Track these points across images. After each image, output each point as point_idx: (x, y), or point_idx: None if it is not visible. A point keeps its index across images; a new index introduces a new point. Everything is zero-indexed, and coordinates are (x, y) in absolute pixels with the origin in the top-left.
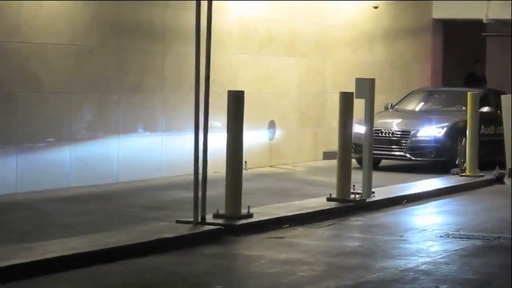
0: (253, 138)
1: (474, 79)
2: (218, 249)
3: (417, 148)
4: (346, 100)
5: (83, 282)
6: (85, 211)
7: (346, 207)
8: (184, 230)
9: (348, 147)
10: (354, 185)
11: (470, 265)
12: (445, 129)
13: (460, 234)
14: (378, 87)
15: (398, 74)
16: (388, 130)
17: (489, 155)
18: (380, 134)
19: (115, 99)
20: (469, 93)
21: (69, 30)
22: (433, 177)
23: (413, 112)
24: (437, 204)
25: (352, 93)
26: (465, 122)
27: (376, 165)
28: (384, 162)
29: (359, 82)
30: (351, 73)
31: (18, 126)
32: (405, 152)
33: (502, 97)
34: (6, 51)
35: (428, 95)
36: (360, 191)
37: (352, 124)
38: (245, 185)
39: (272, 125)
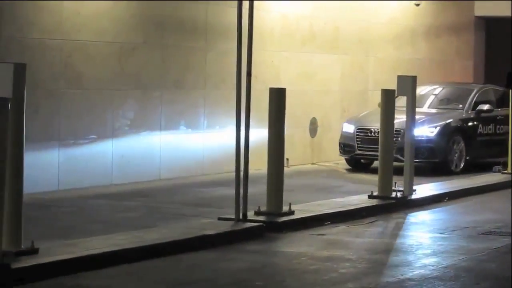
0: (295, 135)
1: None
2: (259, 246)
3: None
4: (388, 98)
5: (125, 278)
6: (127, 208)
7: (388, 204)
8: (225, 227)
9: (390, 146)
10: (395, 183)
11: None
12: (438, 128)
13: (501, 231)
14: (420, 85)
15: (440, 71)
16: (377, 129)
17: (488, 155)
18: (369, 134)
19: (157, 95)
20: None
21: (111, 27)
22: (476, 175)
23: (403, 110)
24: (478, 202)
25: (394, 90)
26: (462, 121)
27: (368, 167)
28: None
29: (401, 79)
30: (393, 70)
31: (60, 123)
32: (395, 153)
33: None
34: (48, 48)
35: (426, 92)
36: (402, 189)
37: (393, 120)
38: (287, 182)
39: (314, 122)
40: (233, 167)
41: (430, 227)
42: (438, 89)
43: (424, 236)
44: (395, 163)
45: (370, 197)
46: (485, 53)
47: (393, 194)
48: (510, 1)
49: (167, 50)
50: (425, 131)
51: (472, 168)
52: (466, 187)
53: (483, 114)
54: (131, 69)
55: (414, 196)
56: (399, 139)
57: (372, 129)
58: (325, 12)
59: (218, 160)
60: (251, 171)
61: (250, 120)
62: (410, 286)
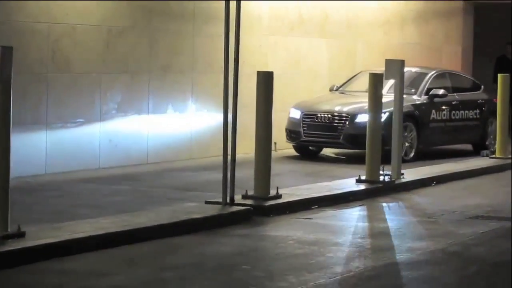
0: (283, 119)
1: (505, 62)
2: (246, 230)
3: (354, 136)
4: (376, 82)
5: (112, 262)
6: (115, 191)
7: (375, 188)
8: (213, 210)
9: (377, 128)
10: (383, 167)
11: (500, 247)
12: (387, 114)
13: (489, 215)
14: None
15: (429, 56)
16: (324, 114)
17: (441, 143)
18: (315, 120)
19: (145, 79)
20: (499, 75)
21: (99, 11)
22: (463, 159)
23: (357, 95)
24: (467, 186)
25: (382, 74)
26: (414, 106)
27: (315, 154)
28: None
29: (389, 63)
30: (382, 55)
31: (48, 106)
32: (341, 140)
33: (500, 76)
34: (36, 32)
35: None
36: (390, 173)
37: (381, 105)
38: (274, 166)
39: None
40: (220, 151)
41: (417, 212)
42: None
43: (411, 221)
44: (337, 151)
45: (358, 181)
46: (474, 38)
47: (381, 178)
48: None
49: (155, 34)
50: None
51: (424, 156)
52: (454, 171)
53: (436, 99)
54: (118, 53)
55: (402, 180)
56: (346, 124)
57: (319, 115)
58: None
59: (206, 144)
60: (238, 155)
61: (238, 104)
62: (398, 270)
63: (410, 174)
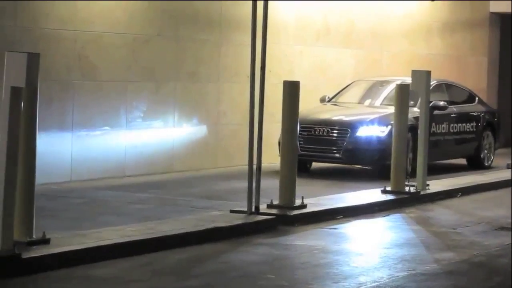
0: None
1: None
2: (271, 239)
3: (355, 150)
4: (402, 92)
5: (136, 269)
6: (140, 199)
7: (401, 199)
8: (238, 219)
9: (403, 139)
10: (408, 177)
11: None
12: (389, 127)
13: None
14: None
15: (454, 67)
16: (322, 128)
17: (441, 157)
18: (312, 133)
19: (171, 88)
20: None
21: (125, 19)
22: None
23: (353, 107)
24: (492, 197)
25: (408, 84)
26: (415, 119)
27: (306, 169)
28: (315, 166)
29: (415, 74)
30: (407, 65)
31: (73, 114)
32: (342, 155)
33: None
34: (62, 39)
35: (373, 86)
36: (415, 184)
37: (407, 116)
38: (299, 175)
39: None
40: (246, 160)
41: (443, 222)
42: (389, 84)
43: (436, 231)
44: (330, 166)
45: (383, 192)
46: (500, 50)
47: (406, 189)
48: None
49: (181, 42)
50: (376, 131)
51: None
52: (479, 182)
53: (436, 112)
54: (144, 61)
55: (427, 191)
56: (346, 138)
57: (317, 128)
58: (339, 6)
59: (231, 152)
60: (264, 164)
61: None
62: (422, 281)
63: (435, 185)
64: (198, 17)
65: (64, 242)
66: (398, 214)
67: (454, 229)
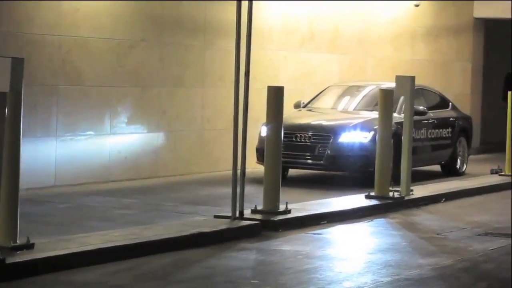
0: None
1: None
2: (255, 244)
3: (338, 157)
4: (386, 98)
5: (121, 274)
6: (124, 204)
7: (385, 204)
8: (222, 224)
9: (387, 144)
10: (392, 183)
11: (509, 264)
12: (372, 133)
13: (498, 232)
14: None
15: (439, 72)
16: (303, 134)
17: (419, 163)
18: (293, 139)
19: (156, 93)
20: (510, 92)
21: (110, 24)
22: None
23: (332, 112)
24: (476, 202)
25: (392, 90)
26: (396, 124)
27: (283, 176)
28: (294, 172)
29: (400, 79)
30: (392, 71)
31: (58, 119)
32: (324, 161)
33: (510, 93)
34: (47, 44)
35: (348, 91)
36: (399, 189)
37: (391, 121)
38: (284, 181)
39: None
40: (230, 166)
41: (427, 228)
42: (364, 89)
43: (421, 236)
44: (310, 173)
45: (367, 197)
46: (484, 55)
47: (390, 194)
48: (510, 1)
49: (166, 47)
50: (358, 137)
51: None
52: (463, 188)
53: (415, 117)
54: (129, 66)
55: (411, 197)
56: (329, 144)
57: (298, 134)
58: (324, 11)
59: (216, 158)
60: (248, 169)
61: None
62: (406, 286)
63: (419, 190)
64: (182, 22)
65: (48, 247)
66: (382, 219)
67: (438, 234)
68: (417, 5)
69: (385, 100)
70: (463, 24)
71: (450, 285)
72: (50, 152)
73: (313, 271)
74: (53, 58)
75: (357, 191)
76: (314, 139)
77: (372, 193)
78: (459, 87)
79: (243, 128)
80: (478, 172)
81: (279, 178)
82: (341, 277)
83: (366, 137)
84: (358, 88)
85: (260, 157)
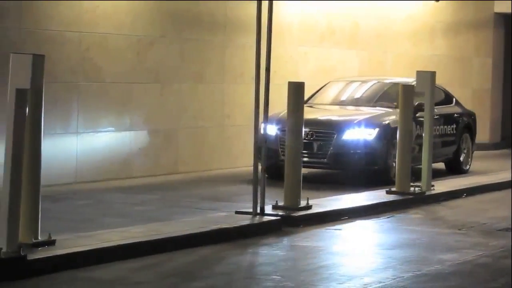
0: None
1: None
2: (276, 240)
3: (342, 155)
4: (407, 93)
5: (141, 271)
6: (144, 201)
7: (405, 200)
8: (243, 221)
9: (408, 140)
10: (413, 178)
11: None
12: (377, 130)
13: None
14: (438, 81)
15: (458, 68)
16: (305, 131)
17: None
18: None
19: (176, 89)
20: None
21: (130, 20)
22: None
23: (334, 108)
24: (496, 198)
25: (413, 85)
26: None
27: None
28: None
29: (420, 74)
30: (411, 66)
31: (78, 115)
32: (328, 159)
33: None
34: (67, 41)
35: (350, 87)
36: (420, 184)
37: (410, 117)
38: (305, 176)
39: None
40: (250, 162)
41: (447, 223)
42: (366, 84)
43: (441, 232)
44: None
45: (388, 192)
46: (505, 50)
47: (411, 190)
48: None
49: (186, 44)
50: (363, 134)
51: (412, 175)
52: (484, 183)
53: (419, 113)
54: (149, 62)
55: (432, 192)
56: (332, 142)
57: None
58: (344, 7)
59: (236, 154)
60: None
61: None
62: (426, 281)
63: (440, 186)
64: (202, 18)
65: (70, 244)
66: (403, 214)
67: (459, 229)
68: (437, 1)
69: (406, 96)
70: (483, 19)
71: (470, 281)
72: (71, 149)
73: (334, 267)
74: (73, 55)
75: (376, 187)
76: (316, 136)
77: (393, 189)
78: (478, 83)
79: (264, 124)
80: (485, 170)
81: (300, 174)
82: (361, 273)
83: (370, 134)
84: (360, 83)
85: (260, 156)
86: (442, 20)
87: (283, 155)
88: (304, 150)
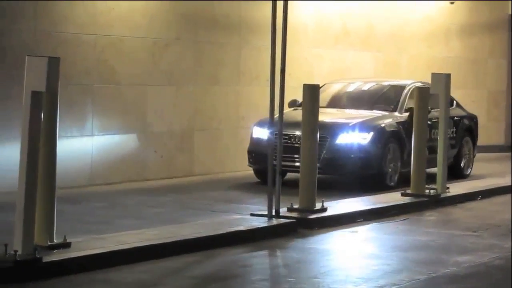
0: None
1: None
2: (291, 243)
3: (335, 159)
4: (422, 95)
5: (157, 273)
6: (160, 203)
7: (420, 202)
8: (258, 223)
9: (423, 142)
10: (428, 181)
11: None
12: (372, 134)
13: None
14: (453, 83)
15: (473, 69)
16: (296, 135)
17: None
18: (288, 140)
19: (191, 91)
20: None
21: (145, 23)
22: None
23: (328, 111)
24: None
25: (428, 87)
26: (397, 124)
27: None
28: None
29: (435, 76)
30: (427, 68)
31: (93, 117)
32: (321, 164)
33: None
34: (82, 43)
35: (346, 89)
36: (435, 186)
37: (426, 119)
38: (320, 178)
39: None
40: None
41: (463, 225)
42: (361, 87)
43: (456, 234)
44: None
45: (403, 194)
46: None
47: (426, 192)
48: None
49: (201, 46)
50: (357, 138)
51: (407, 181)
52: (499, 185)
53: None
54: (164, 65)
55: (447, 194)
56: (325, 146)
57: (291, 135)
58: (359, 9)
59: None
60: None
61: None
62: (442, 283)
63: (455, 188)
64: (217, 20)
65: (85, 246)
66: (418, 217)
67: (474, 232)
68: (452, 3)
69: (421, 98)
70: (498, 21)
71: (486, 283)
72: (86, 151)
73: (350, 269)
74: (87, 57)
75: (387, 190)
76: None
77: (408, 191)
78: (493, 84)
79: (279, 126)
80: (501, 172)
81: (315, 176)
82: (377, 275)
83: (365, 138)
84: (357, 85)
85: (252, 160)
86: (457, 22)
87: (275, 159)
88: (295, 154)
